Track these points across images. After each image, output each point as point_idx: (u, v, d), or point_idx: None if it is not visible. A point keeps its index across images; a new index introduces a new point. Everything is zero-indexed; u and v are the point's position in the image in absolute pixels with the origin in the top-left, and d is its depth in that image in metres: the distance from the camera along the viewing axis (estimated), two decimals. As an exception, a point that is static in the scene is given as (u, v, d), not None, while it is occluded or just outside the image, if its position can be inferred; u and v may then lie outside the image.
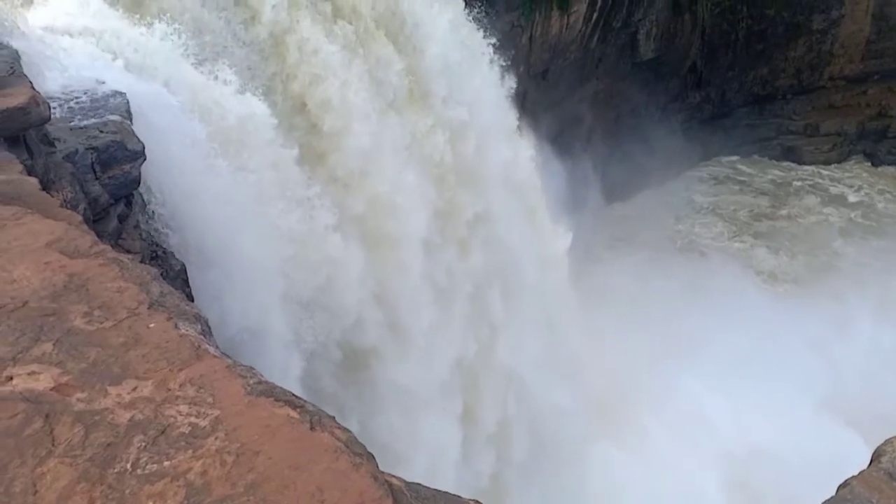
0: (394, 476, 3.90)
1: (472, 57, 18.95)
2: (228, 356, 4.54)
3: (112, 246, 7.03)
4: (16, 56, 8.23)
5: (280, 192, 12.48)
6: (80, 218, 5.59)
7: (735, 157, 40.18)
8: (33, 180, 6.09)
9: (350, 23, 15.34)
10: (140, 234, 8.96)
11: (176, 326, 4.27)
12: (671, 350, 24.90)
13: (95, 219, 7.95)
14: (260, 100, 12.12)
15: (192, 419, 3.65)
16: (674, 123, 37.00)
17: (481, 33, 19.53)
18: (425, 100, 17.48)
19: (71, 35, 9.68)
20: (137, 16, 11.00)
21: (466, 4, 19.32)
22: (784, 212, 36.96)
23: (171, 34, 10.89)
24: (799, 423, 23.16)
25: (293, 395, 4.24)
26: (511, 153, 20.30)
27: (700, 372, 24.60)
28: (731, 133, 39.88)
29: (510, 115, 20.64)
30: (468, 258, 18.60)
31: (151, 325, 4.22)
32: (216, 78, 11.52)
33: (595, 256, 31.24)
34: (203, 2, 12.48)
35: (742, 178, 39.10)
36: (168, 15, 11.26)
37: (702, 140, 38.19)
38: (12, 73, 7.70)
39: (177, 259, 9.66)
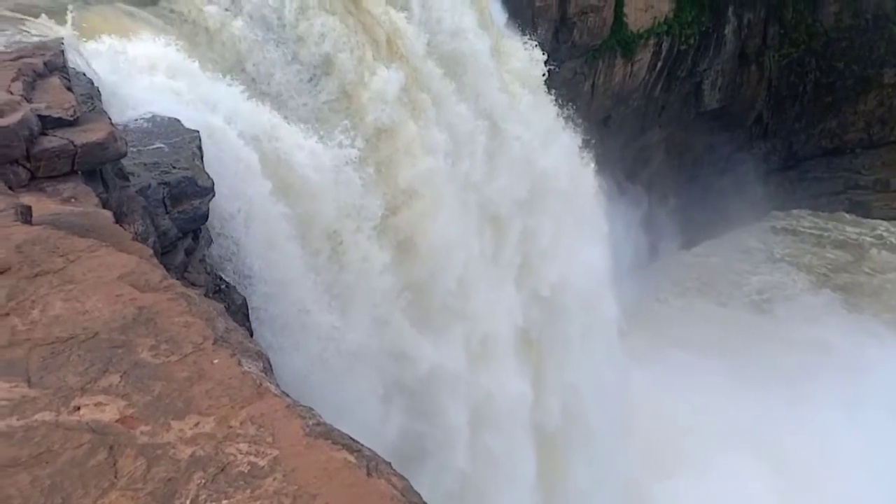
0: (450, 528, 3.84)
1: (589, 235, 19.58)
2: (288, 395, 4.55)
3: (178, 279, 7.18)
4: (96, 92, 8.56)
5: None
6: (150, 251, 5.73)
7: (803, 210, 39.36)
8: (108, 213, 6.27)
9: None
10: (205, 268, 9.16)
11: (239, 363, 4.31)
12: (764, 397, 24.66)
13: (164, 251, 8.14)
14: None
15: (252, 458, 3.65)
16: (739, 174, 36.46)
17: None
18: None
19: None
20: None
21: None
22: (860, 266, 36.16)
23: None
24: None
25: (350, 438, 4.22)
26: (613, 374, 20.42)
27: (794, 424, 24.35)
28: (798, 185, 39.09)
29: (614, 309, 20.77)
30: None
31: (215, 361, 4.26)
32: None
33: (665, 301, 31.27)
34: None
35: (813, 231, 38.38)
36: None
37: (768, 191, 37.53)
38: (93, 109, 8.00)
39: (238, 293, 9.83)
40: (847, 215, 39.08)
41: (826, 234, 38.15)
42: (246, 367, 4.32)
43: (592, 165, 20.05)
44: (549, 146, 18.13)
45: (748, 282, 34.94)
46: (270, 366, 4.98)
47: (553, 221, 18.06)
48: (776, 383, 25.59)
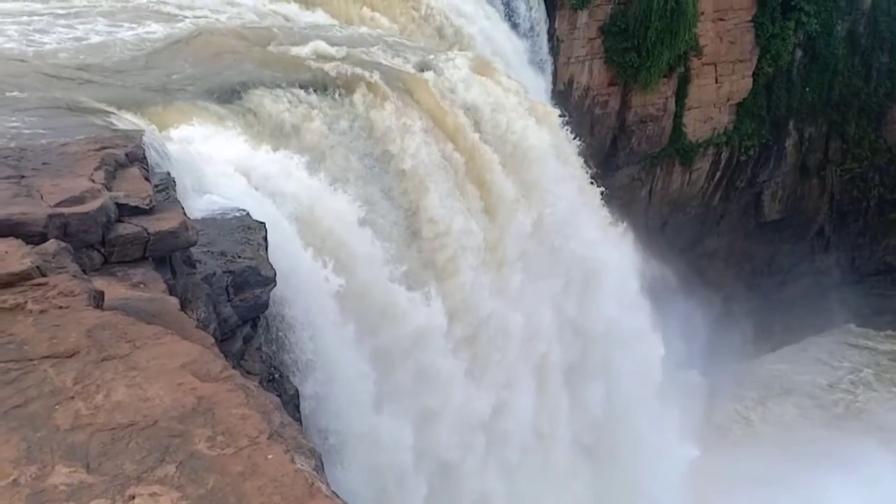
0: None
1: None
2: (338, 496, 4.50)
3: (235, 366, 7.26)
4: (171, 182, 8.93)
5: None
6: (212, 340, 5.83)
7: (869, 329, 37.94)
8: (174, 300, 6.43)
9: None
10: (261, 356, 9.26)
11: (292, 460, 4.28)
12: None
13: (223, 338, 8.26)
14: None
15: (300, 561, 3.59)
16: (801, 286, 35.69)
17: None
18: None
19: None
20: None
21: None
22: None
23: None
24: None
25: (398, 545, 4.14)
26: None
27: None
28: (863, 301, 37.89)
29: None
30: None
31: (269, 457, 4.25)
32: None
33: (738, 411, 30.34)
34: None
35: (887, 347, 36.80)
36: None
37: (833, 306, 36.49)
38: (167, 199, 8.33)
39: (291, 383, 9.88)
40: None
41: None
42: (299, 465, 4.30)
43: None
44: None
45: (826, 394, 33.63)
46: (322, 464, 4.94)
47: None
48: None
